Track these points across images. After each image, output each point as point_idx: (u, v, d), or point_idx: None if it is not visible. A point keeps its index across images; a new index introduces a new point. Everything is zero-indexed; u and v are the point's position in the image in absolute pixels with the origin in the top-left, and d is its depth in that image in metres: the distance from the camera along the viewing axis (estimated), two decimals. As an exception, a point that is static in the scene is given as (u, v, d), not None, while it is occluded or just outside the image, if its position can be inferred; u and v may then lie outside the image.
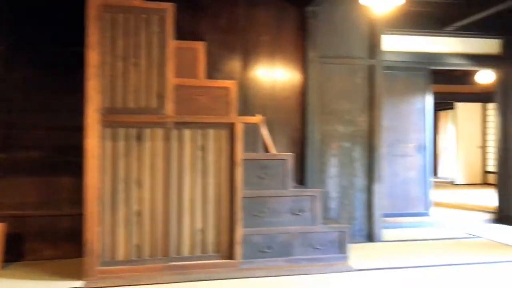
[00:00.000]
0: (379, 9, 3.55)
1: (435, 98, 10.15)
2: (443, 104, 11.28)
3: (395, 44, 5.43)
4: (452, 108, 10.75)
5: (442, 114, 12.79)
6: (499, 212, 5.85)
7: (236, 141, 3.57)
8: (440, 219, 5.74)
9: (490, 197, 7.33)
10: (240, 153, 3.58)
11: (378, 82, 4.77)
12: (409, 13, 5.32)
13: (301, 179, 4.59)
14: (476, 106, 10.46)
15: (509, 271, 3.69)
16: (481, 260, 4.00)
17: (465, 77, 8.90)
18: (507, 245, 4.62)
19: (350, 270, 3.70)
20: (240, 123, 3.59)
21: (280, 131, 4.60)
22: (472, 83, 8.52)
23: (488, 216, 5.90)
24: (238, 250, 3.57)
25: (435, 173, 13.02)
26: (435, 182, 11.26)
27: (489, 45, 5.76)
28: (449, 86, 9.58)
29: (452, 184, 10.40)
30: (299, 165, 4.60)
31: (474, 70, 7.47)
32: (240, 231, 3.57)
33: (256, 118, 3.75)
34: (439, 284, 3.34)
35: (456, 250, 4.41)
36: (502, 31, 5.67)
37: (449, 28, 5.43)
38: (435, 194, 8.37)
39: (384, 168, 5.54)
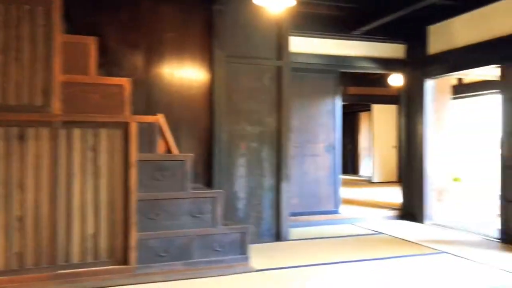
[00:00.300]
0: (273, 9, 3.57)
1: (354, 100, 10.60)
2: (363, 105, 11.77)
3: (305, 46, 5.54)
4: (369, 110, 11.22)
5: (363, 115, 13.34)
6: (403, 209, 6.16)
7: (131, 141, 3.42)
8: (349, 216, 5.93)
9: (399, 195, 7.71)
10: (134, 154, 3.44)
11: (286, 83, 4.82)
12: (318, 16, 5.45)
13: (209, 180, 4.53)
14: (392, 108, 10.99)
15: (404, 265, 3.86)
16: (381, 256, 4.16)
17: (381, 79, 9.32)
18: (405, 240, 4.86)
19: (251, 270, 3.69)
20: (135, 122, 3.44)
21: (188, 131, 4.51)
22: (387, 85, 8.93)
23: (394, 212, 6.19)
24: (133, 255, 3.43)
25: (356, 171, 13.57)
26: (355, 180, 11.74)
27: (394, 50, 6.04)
28: (366, 88, 10.01)
29: (370, 182, 10.86)
30: (207, 166, 4.54)
31: (388, 73, 7.83)
32: (134, 235, 3.43)
33: (153, 117, 3.62)
34: (337, 280, 3.41)
35: (359, 246, 4.57)
36: (405, 37, 5.97)
37: (357, 32, 5.63)
38: (351, 192, 8.70)
39: (294, 167, 5.64)
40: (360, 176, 12.71)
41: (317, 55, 5.64)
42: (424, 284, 3.36)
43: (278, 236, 4.79)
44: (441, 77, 5.69)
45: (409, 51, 6.02)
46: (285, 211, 4.81)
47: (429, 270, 3.72)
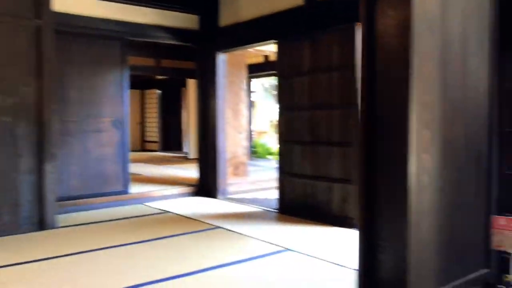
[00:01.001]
0: None
1: (167, 73, 10.21)
2: (185, 80, 11.45)
3: (84, 7, 4.90)
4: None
5: (185, 90, 13.09)
6: (199, 185, 6.05)
7: None
8: (140, 196, 5.57)
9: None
10: None
11: (49, 47, 4.13)
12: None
13: None
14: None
15: (172, 243, 3.66)
16: (154, 236, 3.91)
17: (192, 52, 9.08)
18: (188, 218, 4.71)
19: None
20: None
21: None
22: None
23: (190, 189, 6.04)
24: None
25: (180, 148, 13.37)
26: (175, 157, 11.50)
27: (188, 20, 5.78)
28: (181, 62, 9.67)
29: (186, 158, 10.74)
30: None
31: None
32: None
33: None
34: (83, 270, 3.00)
35: (136, 228, 4.26)
36: (198, 7, 5.75)
37: (145, -3, 5.20)
38: (159, 170, 8.39)
39: (74, 145, 5.06)
40: (184, 153, 12.55)
41: (99, 19, 5.03)
42: (185, 260, 3.18)
43: (42, 224, 4.16)
44: (230, 51, 5.64)
45: (202, 22, 5.82)
46: (50, 195, 4.19)
47: (198, 246, 3.59)
